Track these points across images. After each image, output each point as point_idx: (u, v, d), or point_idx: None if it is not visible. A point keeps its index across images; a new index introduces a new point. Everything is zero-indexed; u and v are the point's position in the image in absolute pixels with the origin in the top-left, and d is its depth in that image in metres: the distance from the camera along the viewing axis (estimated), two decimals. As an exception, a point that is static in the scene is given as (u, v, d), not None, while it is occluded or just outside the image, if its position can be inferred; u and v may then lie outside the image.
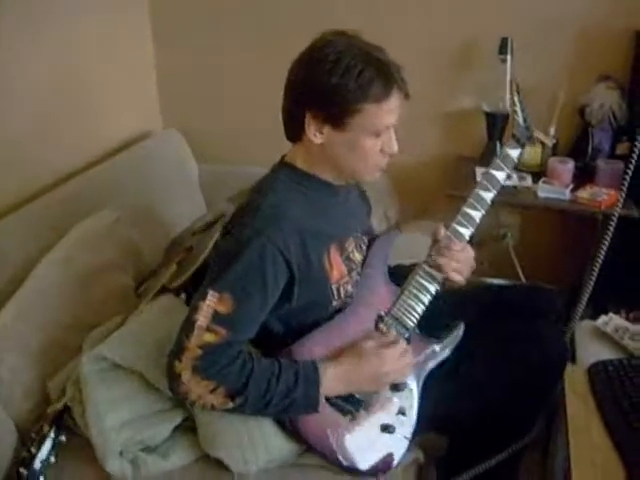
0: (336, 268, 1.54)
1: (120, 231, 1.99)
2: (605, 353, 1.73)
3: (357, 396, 1.49)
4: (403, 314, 1.58)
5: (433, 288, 1.59)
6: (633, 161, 1.86)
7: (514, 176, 2.50)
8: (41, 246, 1.83)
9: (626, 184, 1.87)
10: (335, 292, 1.54)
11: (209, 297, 1.37)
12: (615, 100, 2.46)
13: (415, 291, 1.59)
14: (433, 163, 2.80)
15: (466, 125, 2.74)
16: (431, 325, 1.64)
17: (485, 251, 2.82)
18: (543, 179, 2.44)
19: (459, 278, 1.58)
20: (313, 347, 1.49)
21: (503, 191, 2.37)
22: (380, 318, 1.57)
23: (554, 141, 2.55)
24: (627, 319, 1.97)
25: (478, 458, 1.61)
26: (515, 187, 2.46)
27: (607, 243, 1.80)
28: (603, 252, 1.80)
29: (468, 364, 1.62)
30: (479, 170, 2.55)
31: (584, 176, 2.47)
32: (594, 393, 1.50)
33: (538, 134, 2.52)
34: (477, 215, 1.62)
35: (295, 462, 1.51)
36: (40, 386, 1.63)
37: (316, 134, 1.45)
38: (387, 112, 1.43)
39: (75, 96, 2.37)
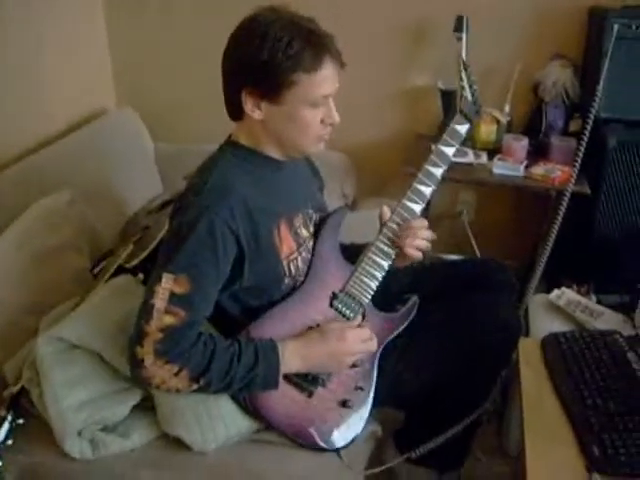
0: (285, 243, 1.54)
1: (76, 211, 1.96)
2: (558, 326, 1.77)
3: (316, 374, 1.50)
4: (357, 291, 1.59)
5: (386, 264, 1.60)
6: (585, 138, 1.90)
7: (470, 153, 2.52)
8: (-6, 228, 1.79)
9: (579, 161, 1.91)
10: (286, 268, 1.54)
11: (164, 280, 1.37)
12: (568, 78, 2.51)
13: (368, 268, 1.59)
14: (390, 141, 2.81)
15: (423, 103, 2.75)
16: (388, 300, 1.66)
17: (442, 228, 2.87)
18: (498, 156, 2.47)
19: (417, 254, 1.59)
20: (270, 327, 1.50)
21: (459, 168, 2.44)
22: (334, 295, 1.58)
23: (508, 118, 2.59)
24: (579, 293, 2.02)
25: (435, 430, 1.63)
26: (471, 164, 2.48)
27: (560, 219, 1.84)
28: (556, 228, 1.84)
29: (423, 337, 1.64)
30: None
31: (538, 153, 2.51)
32: (546, 364, 1.54)
33: (492, 111, 2.56)
34: (427, 191, 1.62)
35: (253, 438, 1.52)
36: (-4, 369, 1.61)
37: (254, 110, 1.45)
38: (321, 81, 1.42)
39: (27, 73, 2.32)
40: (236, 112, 1.50)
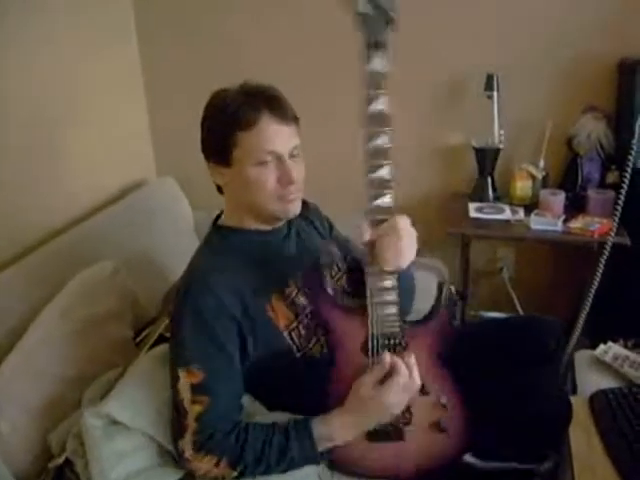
0: (281, 316, 1.52)
1: (118, 281, 1.99)
2: (605, 382, 1.73)
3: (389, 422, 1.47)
4: (383, 326, 1.45)
5: (390, 283, 1.42)
6: (624, 190, 1.89)
7: (507, 209, 2.52)
8: (40, 298, 1.82)
9: (618, 213, 1.89)
10: (288, 339, 1.53)
11: (180, 375, 1.42)
12: (602, 130, 2.50)
13: (377, 299, 1.43)
14: (425, 199, 2.82)
15: (457, 161, 2.77)
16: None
17: (482, 285, 2.85)
18: (535, 211, 2.46)
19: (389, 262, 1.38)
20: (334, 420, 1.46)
21: (496, 225, 2.44)
22: (364, 345, 1.47)
23: (544, 173, 2.58)
24: (626, 347, 1.97)
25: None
26: (508, 221, 2.47)
27: (600, 271, 1.82)
28: (597, 280, 1.81)
29: (473, 400, 1.54)
30: (472, 205, 2.58)
31: (575, 206, 2.50)
32: (596, 423, 1.50)
33: (527, 167, 2.57)
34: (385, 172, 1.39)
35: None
36: (40, 440, 1.61)
37: (218, 178, 1.54)
38: (262, 139, 1.44)
39: (70, 146, 2.40)
40: (217, 185, 1.58)
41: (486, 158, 2.59)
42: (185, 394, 1.41)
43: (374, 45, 1.34)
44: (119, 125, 2.75)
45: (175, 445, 1.44)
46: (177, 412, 1.43)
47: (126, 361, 1.75)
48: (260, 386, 1.54)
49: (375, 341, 1.46)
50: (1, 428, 1.55)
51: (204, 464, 1.40)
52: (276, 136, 1.45)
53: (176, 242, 2.55)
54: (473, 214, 2.51)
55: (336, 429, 1.43)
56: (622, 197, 1.90)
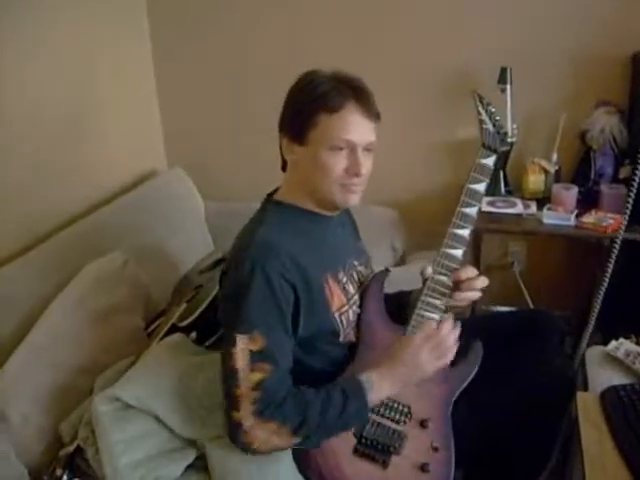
0: (336, 297, 1.55)
1: (129, 272, 2.00)
2: (617, 378, 1.72)
3: (383, 441, 1.48)
4: None
5: (438, 317, 1.55)
6: (635, 184, 1.87)
7: (519, 203, 2.51)
8: (51, 289, 1.84)
9: (629, 207, 1.88)
10: (338, 321, 1.55)
11: (239, 341, 1.39)
12: (615, 124, 2.48)
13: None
14: (439, 194, 2.80)
15: (469, 155, 2.74)
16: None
17: (493, 279, 2.82)
18: (548, 206, 2.44)
19: (465, 304, 1.58)
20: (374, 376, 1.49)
21: (508, 219, 2.43)
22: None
23: (557, 167, 2.57)
24: (637, 344, 1.96)
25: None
26: (520, 215, 2.46)
27: (611, 267, 1.81)
28: (608, 276, 1.80)
29: (477, 392, 1.59)
30: (484, 199, 2.56)
31: (588, 201, 2.48)
32: (607, 419, 1.49)
33: (540, 161, 2.55)
34: (465, 233, 1.58)
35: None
36: (52, 429, 1.63)
37: (288, 153, 1.54)
38: (343, 125, 1.46)
39: (80, 137, 2.41)
40: (283, 161, 1.58)
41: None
42: (242, 361, 1.38)
43: (480, 171, 1.61)
44: (130, 117, 2.76)
45: (229, 418, 1.39)
46: (230, 382, 1.40)
47: (138, 351, 1.76)
48: (298, 365, 1.52)
49: None
50: (12, 419, 1.57)
51: (265, 432, 1.37)
52: (356, 126, 1.47)
53: (187, 233, 2.56)
54: (485, 208, 2.50)
55: (374, 385, 1.45)
56: (634, 192, 1.88)
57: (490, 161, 1.62)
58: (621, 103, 2.52)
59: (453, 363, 1.57)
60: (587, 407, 1.54)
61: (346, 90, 1.46)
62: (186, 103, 2.97)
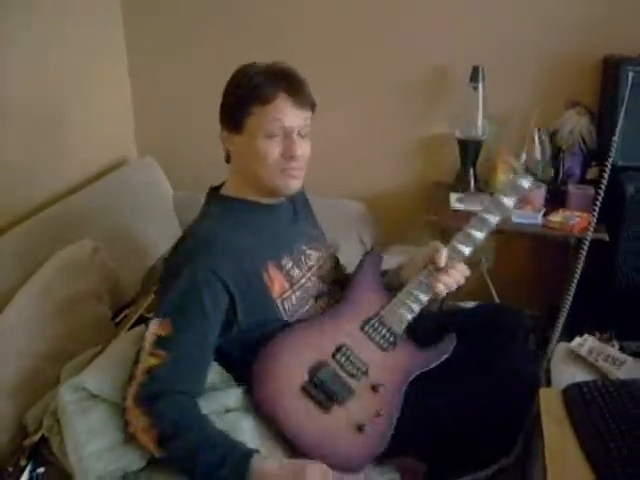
0: (277, 282, 1.59)
1: (98, 261, 1.98)
2: (580, 375, 1.75)
3: (332, 389, 1.50)
4: (391, 319, 1.62)
5: (425, 298, 1.62)
6: (603, 186, 1.91)
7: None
8: (18, 276, 1.82)
9: (597, 208, 1.91)
10: (280, 307, 1.58)
11: (152, 324, 1.47)
12: (585, 125, 2.52)
13: (406, 299, 1.62)
14: (408, 189, 2.83)
15: (440, 151, 2.78)
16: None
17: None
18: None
19: (441, 290, 1.62)
20: (295, 335, 1.56)
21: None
22: (367, 320, 1.62)
23: (525, 166, 2.60)
24: (601, 340, 2.00)
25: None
26: (489, 212, 2.48)
27: (581, 266, 1.84)
28: (577, 275, 1.84)
29: (441, 384, 1.62)
30: (453, 196, 2.59)
31: (556, 201, 2.51)
32: (570, 415, 1.51)
33: (510, 159, 2.58)
34: (479, 235, 1.67)
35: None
36: (16, 418, 1.61)
37: (229, 145, 1.62)
38: (275, 113, 1.54)
39: (50, 124, 2.37)
40: (226, 153, 1.65)
41: (469, 149, 2.61)
42: (147, 343, 1.44)
43: (513, 187, 1.70)
44: (101, 104, 2.73)
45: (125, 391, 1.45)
46: (135, 359, 1.47)
47: (105, 340, 1.74)
48: (244, 353, 1.54)
49: (376, 321, 1.62)
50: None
51: (137, 421, 1.40)
52: (288, 115, 1.55)
53: (157, 222, 2.54)
54: (454, 205, 2.53)
55: (260, 471, 1.34)
56: (602, 194, 1.92)
57: (526, 183, 1.71)
58: (591, 105, 2.56)
59: (424, 345, 1.64)
60: (549, 402, 1.56)
61: (278, 82, 1.54)
62: (158, 92, 2.95)
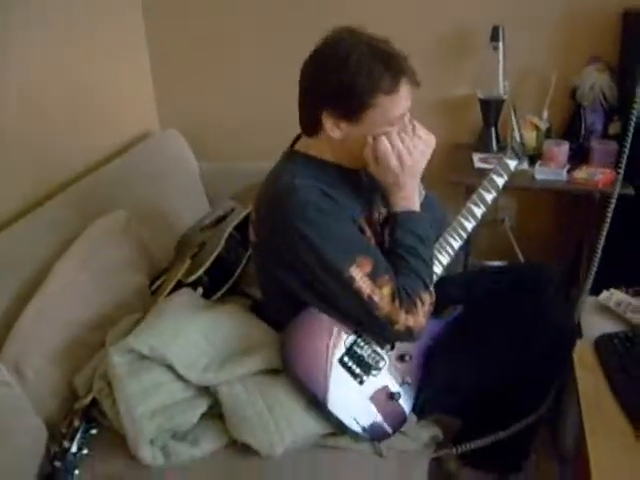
0: (372, 235, 1.62)
1: (132, 230, 2.02)
2: (609, 326, 1.78)
3: (367, 360, 1.57)
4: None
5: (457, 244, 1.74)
6: (628, 140, 1.92)
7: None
8: (54, 248, 1.85)
9: (623, 163, 1.92)
10: None
11: (352, 273, 1.46)
12: (605, 81, 2.52)
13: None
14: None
15: (462, 112, 2.79)
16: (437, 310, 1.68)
17: (484, 235, 2.89)
18: (539, 162, 2.49)
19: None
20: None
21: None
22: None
23: (548, 124, 2.61)
24: (627, 294, 2.03)
25: (493, 435, 1.66)
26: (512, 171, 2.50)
27: (608, 221, 1.86)
28: (605, 230, 1.86)
29: (476, 343, 1.67)
30: (476, 156, 2.61)
31: (578, 157, 2.52)
32: (602, 364, 1.55)
33: (532, 118, 2.59)
34: (479, 212, 1.79)
35: (320, 443, 1.56)
36: (66, 382, 1.66)
37: (334, 130, 1.50)
38: (399, 102, 1.50)
39: (73, 100, 2.38)
40: (313, 129, 1.56)
41: (490, 109, 2.62)
42: (368, 288, 1.46)
43: (503, 167, 1.85)
44: (122, 78, 2.75)
45: (392, 337, 1.56)
46: (367, 312, 1.49)
47: (144, 307, 1.79)
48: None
49: None
50: (27, 374, 1.59)
51: (420, 312, 1.50)
52: (408, 99, 1.53)
53: (182, 194, 2.57)
54: (478, 164, 2.54)
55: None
56: (627, 148, 1.92)
57: (512, 164, 1.88)
58: (611, 60, 2.56)
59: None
60: (582, 354, 1.61)
61: (398, 69, 1.48)
62: (180, 64, 2.95)
